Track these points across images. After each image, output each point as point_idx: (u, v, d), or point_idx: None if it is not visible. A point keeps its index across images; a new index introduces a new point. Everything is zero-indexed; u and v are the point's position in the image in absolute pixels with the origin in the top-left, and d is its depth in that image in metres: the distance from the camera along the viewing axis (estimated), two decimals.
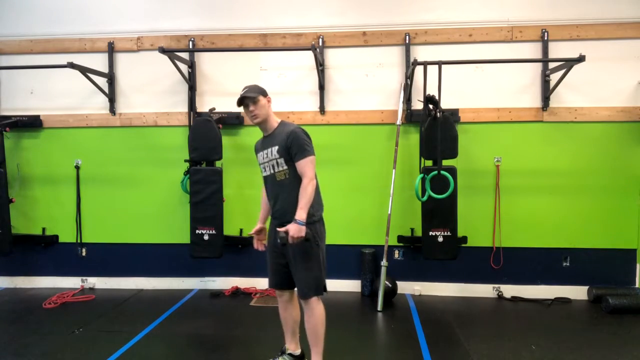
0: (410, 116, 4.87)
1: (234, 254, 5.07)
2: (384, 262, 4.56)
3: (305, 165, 2.87)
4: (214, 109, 4.93)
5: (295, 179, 2.91)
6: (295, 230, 2.76)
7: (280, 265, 3.05)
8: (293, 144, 2.87)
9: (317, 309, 2.97)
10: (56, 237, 5.26)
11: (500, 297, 4.82)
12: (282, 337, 3.24)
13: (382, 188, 4.84)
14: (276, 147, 2.93)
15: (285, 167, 2.92)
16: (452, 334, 3.90)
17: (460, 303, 4.71)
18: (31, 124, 5.17)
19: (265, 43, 5.02)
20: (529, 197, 4.83)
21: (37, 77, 5.16)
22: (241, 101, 2.96)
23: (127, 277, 5.24)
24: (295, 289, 3.08)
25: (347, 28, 4.95)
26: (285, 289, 3.11)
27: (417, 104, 4.81)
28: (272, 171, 2.98)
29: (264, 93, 2.99)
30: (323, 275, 3.00)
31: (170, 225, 5.14)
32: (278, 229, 2.91)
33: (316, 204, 2.96)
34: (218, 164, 4.88)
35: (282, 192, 2.96)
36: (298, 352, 3.19)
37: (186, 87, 5.05)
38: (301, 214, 2.80)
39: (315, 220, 2.94)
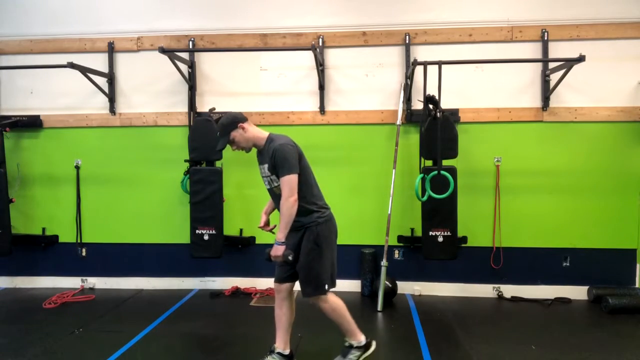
0: (410, 116, 4.87)
1: (234, 254, 5.07)
2: (384, 262, 4.56)
3: (284, 184, 2.93)
4: (214, 109, 4.93)
5: None
6: (273, 250, 2.93)
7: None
8: (276, 162, 2.95)
9: (325, 306, 3.07)
10: (56, 237, 5.26)
11: (500, 297, 4.82)
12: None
13: (382, 188, 4.84)
14: (267, 165, 3.03)
15: (279, 183, 3.00)
16: (452, 334, 3.90)
17: (460, 303, 4.71)
18: (31, 124, 5.17)
19: (265, 43, 5.02)
20: (529, 197, 4.83)
21: (37, 77, 5.15)
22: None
23: (127, 277, 5.24)
24: (298, 286, 3.13)
25: (347, 28, 4.95)
26: (283, 282, 3.15)
27: (417, 104, 4.81)
28: (270, 185, 3.10)
29: (231, 128, 3.02)
30: (324, 274, 3.04)
31: (170, 225, 5.14)
32: (267, 249, 3.00)
33: (317, 208, 3.06)
34: (218, 164, 4.87)
35: None
36: (287, 351, 3.19)
37: (186, 87, 5.04)
38: (279, 235, 2.92)
39: (319, 222, 3.03)
